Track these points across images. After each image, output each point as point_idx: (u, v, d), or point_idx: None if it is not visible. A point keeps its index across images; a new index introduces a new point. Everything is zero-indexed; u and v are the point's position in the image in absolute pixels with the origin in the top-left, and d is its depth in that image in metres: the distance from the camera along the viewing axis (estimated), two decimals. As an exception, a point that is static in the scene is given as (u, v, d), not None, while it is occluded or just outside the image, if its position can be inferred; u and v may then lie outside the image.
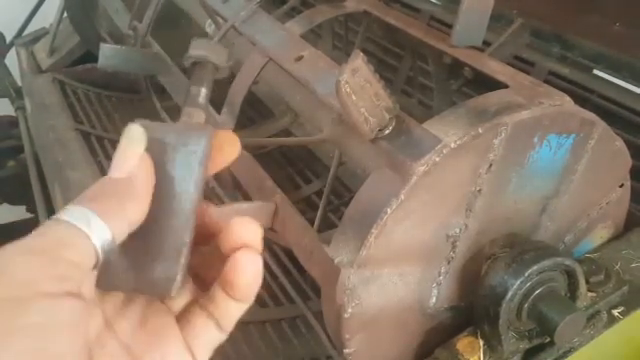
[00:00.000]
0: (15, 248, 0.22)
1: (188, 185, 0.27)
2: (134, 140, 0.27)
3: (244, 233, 0.27)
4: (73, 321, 0.22)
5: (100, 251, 0.23)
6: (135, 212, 0.26)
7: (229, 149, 0.29)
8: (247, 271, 0.27)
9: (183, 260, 0.26)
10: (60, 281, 0.21)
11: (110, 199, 0.25)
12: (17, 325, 0.20)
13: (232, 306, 0.28)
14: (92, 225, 0.23)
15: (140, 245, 0.26)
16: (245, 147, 0.63)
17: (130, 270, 0.26)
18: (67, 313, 0.21)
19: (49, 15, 1.13)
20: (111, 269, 0.26)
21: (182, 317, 0.28)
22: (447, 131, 0.40)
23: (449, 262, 0.44)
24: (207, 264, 0.29)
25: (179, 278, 0.26)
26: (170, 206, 0.26)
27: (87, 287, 0.23)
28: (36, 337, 0.20)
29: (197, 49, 0.29)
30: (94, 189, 0.26)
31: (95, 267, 0.23)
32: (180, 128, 0.28)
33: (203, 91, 0.29)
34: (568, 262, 0.43)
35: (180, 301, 0.28)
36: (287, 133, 0.87)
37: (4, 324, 0.20)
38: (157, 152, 0.27)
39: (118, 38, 0.93)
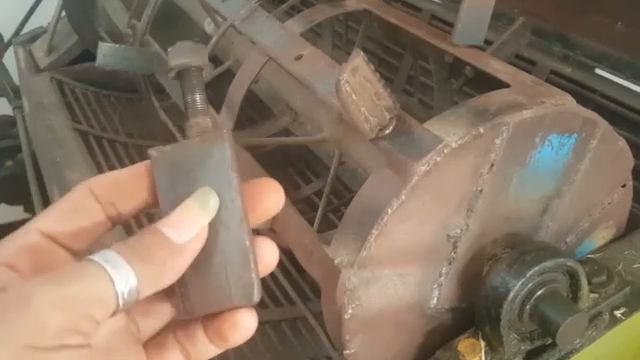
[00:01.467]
0: (49, 298, 0.22)
1: (230, 193, 0.26)
2: (207, 210, 0.26)
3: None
4: None
5: (122, 303, 0.23)
6: (171, 280, 0.25)
7: (273, 198, 0.28)
8: (245, 331, 0.27)
9: (252, 265, 0.26)
10: (82, 335, 0.22)
11: (154, 260, 0.24)
12: None
13: (211, 351, 0.27)
14: (124, 281, 0.23)
15: (203, 266, 0.26)
16: (245, 147, 0.63)
17: (203, 293, 0.26)
18: None
19: (47, 14, 1.13)
20: (185, 296, 0.26)
21: (153, 344, 0.28)
22: (448, 131, 0.40)
23: (450, 263, 0.44)
24: None
25: (256, 283, 0.26)
26: (219, 219, 0.26)
27: (97, 337, 0.24)
28: None
29: (176, 58, 0.29)
30: (143, 242, 0.25)
31: (115, 312, 0.24)
32: (197, 143, 0.27)
33: (198, 97, 0.28)
34: (570, 263, 0.42)
35: (152, 324, 0.28)
36: (287, 133, 0.87)
37: None
38: (187, 172, 0.26)
39: (117, 37, 0.93)
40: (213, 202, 0.26)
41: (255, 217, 0.27)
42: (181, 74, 0.29)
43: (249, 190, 0.27)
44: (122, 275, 0.23)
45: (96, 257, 0.24)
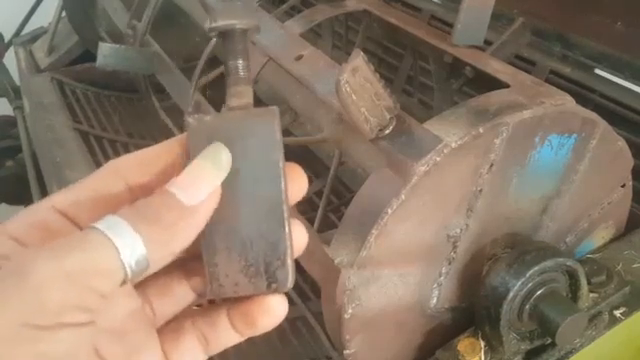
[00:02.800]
0: (50, 268, 0.20)
1: (273, 174, 0.24)
2: (220, 167, 0.24)
3: None
4: (83, 352, 0.21)
5: (130, 272, 0.22)
6: (182, 245, 0.23)
7: (299, 184, 0.26)
8: (276, 316, 0.25)
9: (289, 251, 0.25)
10: (84, 312, 0.21)
11: (162, 223, 0.22)
12: (34, 352, 0.20)
13: (233, 338, 0.26)
14: (130, 247, 0.21)
15: (238, 247, 0.24)
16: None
17: (235, 274, 0.24)
18: (80, 344, 0.21)
19: (47, 14, 1.13)
20: (214, 277, 0.24)
21: (168, 329, 0.26)
22: (448, 131, 0.40)
23: (450, 262, 0.44)
24: None
25: (291, 269, 0.25)
26: (260, 201, 0.24)
27: (104, 312, 0.22)
28: None
29: (222, 17, 0.25)
30: (151, 204, 0.23)
31: (123, 284, 0.22)
32: (241, 116, 0.25)
33: (241, 64, 0.26)
34: (569, 263, 0.43)
35: (169, 307, 0.26)
36: (287, 133, 0.87)
37: (24, 350, 0.20)
38: (227, 146, 0.24)
39: (117, 37, 0.93)
40: (225, 159, 0.24)
41: None
42: (225, 36, 0.26)
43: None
44: (127, 242, 0.21)
45: (99, 224, 0.22)
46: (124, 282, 0.22)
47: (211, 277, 0.25)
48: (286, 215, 0.25)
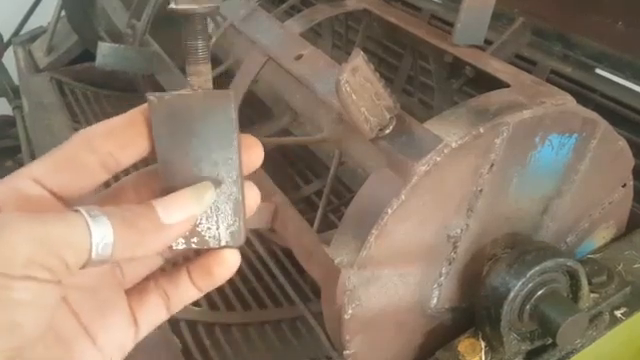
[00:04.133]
0: (27, 229, 0.22)
1: (229, 152, 0.27)
2: (201, 204, 0.27)
3: None
4: (46, 305, 0.23)
5: (94, 256, 0.24)
6: (145, 252, 0.26)
7: (255, 152, 0.29)
8: (230, 266, 0.28)
9: (242, 215, 0.28)
10: (49, 272, 0.23)
11: (136, 229, 0.25)
12: (4, 298, 0.22)
13: (192, 293, 0.29)
14: (101, 236, 0.24)
15: None
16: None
17: (194, 232, 0.27)
18: (44, 298, 0.23)
19: (47, 14, 1.13)
20: None
21: (134, 289, 0.29)
22: (448, 131, 0.40)
23: (450, 263, 0.44)
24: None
25: (244, 230, 0.28)
26: (219, 174, 0.27)
27: (68, 281, 0.24)
28: (18, 312, 0.22)
29: (180, 2, 0.28)
30: (132, 209, 0.25)
31: (85, 264, 0.24)
32: (200, 96, 0.27)
33: (200, 44, 0.28)
34: (570, 263, 0.42)
35: (137, 270, 0.29)
36: (287, 133, 0.87)
37: None
38: (187, 124, 0.27)
39: (116, 37, 0.93)
40: (208, 197, 0.27)
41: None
42: (186, 17, 0.28)
43: None
44: (100, 229, 0.24)
45: (81, 208, 0.24)
46: (85, 264, 0.24)
47: None
48: (240, 180, 0.28)
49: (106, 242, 0.24)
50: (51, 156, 0.27)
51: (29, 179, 0.26)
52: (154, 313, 0.29)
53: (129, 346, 0.29)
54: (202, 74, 0.28)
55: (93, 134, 0.27)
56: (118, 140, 0.27)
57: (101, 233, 0.24)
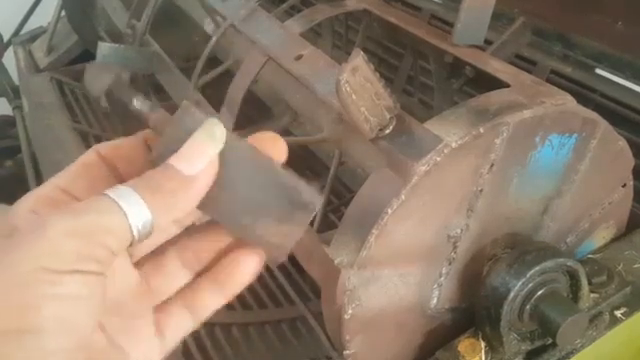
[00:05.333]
0: (65, 225, 0.23)
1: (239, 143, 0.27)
2: (215, 140, 0.26)
3: None
4: (96, 296, 0.24)
5: (137, 235, 0.24)
6: (183, 211, 0.26)
7: (277, 147, 0.29)
8: (249, 273, 0.28)
9: (302, 183, 0.27)
10: (95, 262, 0.23)
11: (165, 192, 0.25)
12: (52, 293, 0.22)
13: (216, 301, 0.28)
14: (137, 212, 0.24)
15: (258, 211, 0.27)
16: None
17: (277, 234, 0.27)
18: (93, 289, 0.23)
19: (47, 14, 1.13)
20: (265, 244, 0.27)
21: (159, 299, 0.29)
22: (448, 131, 0.40)
23: (450, 263, 0.44)
24: (198, 247, 0.29)
25: (316, 194, 0.27)
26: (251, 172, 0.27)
27: (111, 269, 0.25)
28: (68, 307, 0.22)
29: (95, 86, 0.29)
30: (154, 176, 0.26)
31: (132, 244, 0.24)
32: (180, 120, 0.27)
33: (138, 100, 0.28)
34: (570, 263, 0.42)
35: (164, 284, 0.29)
36: (287, 133, 0.87)
37: (42, 291, 0.22)
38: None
39: (116, 37, 0.93)
40: (219, 132, 0.26)
41: None
42: (111, 93, 0.29)
43: (255, 143, 0.28)
44: (134, 207, 0.24)
45: (109, 192, 0.24)
46: (131, 244, 0.24)
47: (264, 248, 0.28)
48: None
49: (144, 219, 0.24)
50: (68, 168, 0.28)
51: (55, 187, 0.27)
52: (180, 324, 0.29)
53: (156, 359, 0.28)
54: (164, 116, 0.28)
55: (103, 148, 0.28)
56: (122, 156, 0.28)
57: (136, 211, 0.24)
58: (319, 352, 0.63)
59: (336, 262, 0.40)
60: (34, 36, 1.17)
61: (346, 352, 0.42)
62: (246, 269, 0.28)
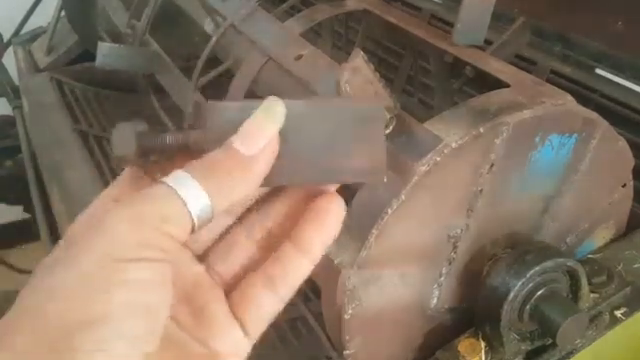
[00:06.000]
0: (124, 214, 0.23)
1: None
2: (275, 118, 0.25)
3: None
4: (165, 281, 0.23)
5: (196, 221, 0.24)
6: (243, 193, 0.25)
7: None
8: (338, 218, 0.26)
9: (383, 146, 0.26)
10: (158, 250, 0.23)
11: (223, 174, 0.24)
12: (119, 279, 0.22)
13: (303, 266, 0.27)
14: (195, 198, 0.24)
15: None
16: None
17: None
18: (161, 275, 0.23)
19: (47, 14, 1.13)
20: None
21: (233, 288, 0.27)
22: (448, 131, 0.40)
23: (450, 263, 0.44)
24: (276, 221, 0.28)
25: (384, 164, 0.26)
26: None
27: (177, 256, 0.24)
28: (135, 291, 0.22)
29: (121, 150, 0.27)
30: (212, 158, 0.25)
31: (192, 230, 0.24)
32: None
33: (170, 134, 0.27)
34: (570, 263, 0.42)
35: (230, 268, 0.28)
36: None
37: (110, 278, 0.22)
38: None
39: (116, 37, 0.93)
40: (279, 110, 0.25)
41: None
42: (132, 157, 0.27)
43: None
44: (192, 193, 0.24)
45: (167, 179, 0.24)
46: (193, 230, 0.24)
47: (357, 181, 0.27)
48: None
49: (203, 204, 0.24)
50: (118, 180, 0.28)
51: (110, 199, 0.27)
52: (258, 304, 0.27)
53: (243, 345, 0.28)
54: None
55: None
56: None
57: (194, 197, 0.23)
58: (319, 352, 0.63)
59: (336, 262, 0.40)
60: (34, 36, 1.17)
61: (346, 352, 0.42)
62: (334, 215, 0.26)
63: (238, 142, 0.25)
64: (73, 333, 0.21)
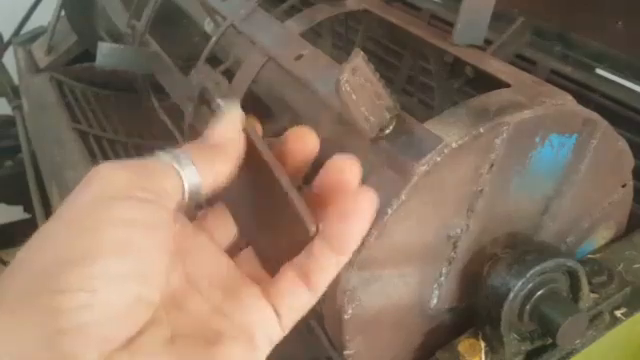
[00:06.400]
0: (116, 164, 0.24)
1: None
2: (236, 118, 0.29)
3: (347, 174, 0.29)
4: (158, 224, 0.23)
5: (187, 191, 0.25)
6: (223, 167, 0.27)
7: (309, 141, 0.32)
8: (367, 216, 0.29)
9: (301, 210, 0.28)
10: (149, 192, 0.23)
11: (203, 151, 0.27)
12: (109, 217, 0.22)
13: (333, 262, 0.28)
14: (184, 165, 0.25)
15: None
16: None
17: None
18: (152, 215, 0.23)
19: (47, 13, 1.13)
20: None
21: (268, 284, 0.28)
22: (448, 131, 0.40)
23: (450, 263, 0.44)
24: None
25: (308, 221, 0.28)
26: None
27: (175, 207, 0.25)
28: (126, 230, 0.22)
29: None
30: (193, 142, 0.28)
31: (179, 205, 0.25)
32: None
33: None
34: (570, 263, 0.42)
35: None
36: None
37: (98, 216, 0.22)
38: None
39: (116, 37, 0.93)
40: (236, 112, 0.29)
41: (298, 163, 0.31)
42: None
43: (286, 141, 0.31)
44: (183, 160, 0.26)
45: (162, 153, 0.26)
46: (182, 199, 0.25)
47: (260, 257, 0.30)
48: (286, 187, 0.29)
49: (190, 170, 0.25)
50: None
51: None
52: (294, 296, 0.28)
53: (277, 334, 0.28)
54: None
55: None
56: None
57: (183, 161, 0.25)
58: (319, 352, 0.63)
59: (336, 262, 0.40)
60: (34, 36, 1.17)
61: (346, 352, 0.42)
62: (364, 212, 0.29)
63: (210, 134, 0.28)
64: (58, 274, 0.20)
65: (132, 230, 0.22)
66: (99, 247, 0.21)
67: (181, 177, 0.25)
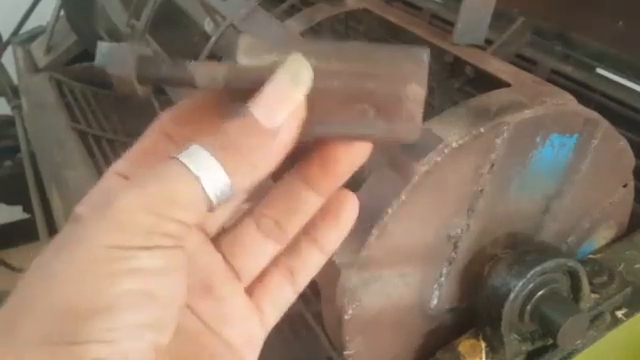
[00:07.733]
0: (133, 197, 0.21)
1: None
2: (300, 82, 0.22)
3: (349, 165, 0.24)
4: (176, 269, 0.21)
5: (215, 200, 0.21)
6: (264, 172, 0.22)
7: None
8: (352, 215, 0.25)
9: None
10: (168, 237, 0.21)
11: (242, 150, 0.21)
12: (127, 268, 0.20)
13: (317, 259, 0.26)
14: (211, 175, 0.21)
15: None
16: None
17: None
18: (171, 262, 0.21)
19: (46, 13, 1.13)
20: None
21: (253, 283, 0.26)
22: (448, 130, 0.40)
23: (450, 263, 0.44)
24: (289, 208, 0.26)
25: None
26: None
27: (191, 241, 0.22)
28: (143, 280, 0.20)
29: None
30: (228, 130, 0.21)
31: (209, 210, 0.22)
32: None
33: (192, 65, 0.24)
34: (571, 263, 0.42)
35: (248, 262, 0.26)
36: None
37: (116, 266, 0.20)
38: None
39: (116, 36, 0.93)
40: (306, 75, 0.22)
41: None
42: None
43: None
44: (207, 170, 0.21)
45: (179, 155, 0.21)
46: (211, 209, 0.21)
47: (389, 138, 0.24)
48: None
49: (222, 183, 0.21)
50: (130, 152, 0.26)
51: (115, 175, 0.25)
52: (278, 294, 0.26)
53: (259, 335, 0.26)
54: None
55: (165, 121, 0.25)
56: (192, 125, 0.24)
57: (210, 174, 0.21)
58: (319, 352, 0.63)
59: (336, 262, 0.40)
60: (33, 35, 1.17)
61: (346, 352, 0.42)
62: (347, 211, 0.25)
63: (259, 111, 0.21)
64: (75, 324, 0.20)
65: (150, 279, 0.21)
66: (118, 299, 0.20)
67: (205, 193, 0.21)
